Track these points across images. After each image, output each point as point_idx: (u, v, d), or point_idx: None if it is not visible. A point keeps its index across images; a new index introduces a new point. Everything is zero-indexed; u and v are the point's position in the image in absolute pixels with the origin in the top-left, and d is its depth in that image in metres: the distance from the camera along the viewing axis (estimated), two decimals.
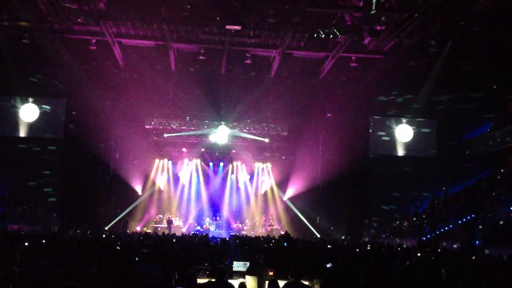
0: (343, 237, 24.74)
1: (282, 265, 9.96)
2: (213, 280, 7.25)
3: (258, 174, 30.45)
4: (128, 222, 26.95)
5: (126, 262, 8.65)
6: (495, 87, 25.33)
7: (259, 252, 11.06)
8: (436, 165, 27.14)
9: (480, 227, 19.16)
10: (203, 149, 29.47)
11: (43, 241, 13.07)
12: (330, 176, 26.20)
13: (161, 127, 27.56)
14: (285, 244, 14.99)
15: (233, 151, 29.46)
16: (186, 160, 30.13)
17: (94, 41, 22.19)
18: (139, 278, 8.32)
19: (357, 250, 14.17)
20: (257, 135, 28.06)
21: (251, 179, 30.46)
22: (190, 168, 30.24)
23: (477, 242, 18.19)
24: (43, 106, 25.96)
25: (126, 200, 27.69)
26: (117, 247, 12.02)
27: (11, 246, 10.81)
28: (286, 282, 7.05)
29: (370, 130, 27.70)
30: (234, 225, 29.38)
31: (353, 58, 23.33)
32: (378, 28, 20.34)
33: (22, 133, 25.89)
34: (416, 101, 26.57)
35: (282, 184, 29.31)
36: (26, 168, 25.50)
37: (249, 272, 8.78)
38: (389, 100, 27.19)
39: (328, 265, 10.56)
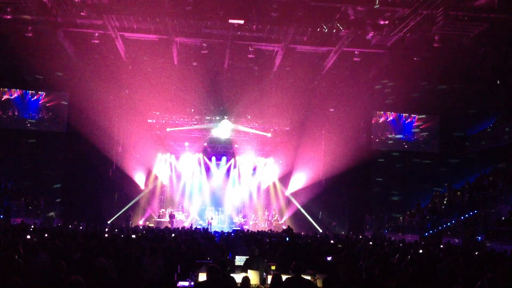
0: (342, 232, 24.74)
1: (284, 259, 9.97)
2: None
3: (260, 168, 30.44)
4: (130, 216, 27.02)
5: (130, 256, 8.66)
6: (498, 82, 25.24)
7: (254, 244, 11.10)
8: (439, 160, 27.13)
9: (483, 222, 19.14)
10: (205, 144, 29.48)
11: (46, 234, 13.09)
12: (332, 171, 26.22)
13: (163, 121, 27.62)
14: (287, 238, 15.00)
15: (236, 145, 29.47)
16: (188, 155, 30.13)
17: (97, 34, 22.16)
18: (143, 272, 8.34)
19: (359, 245, 14.18)
20: (260, 129, 28.07)
21: (253, 173, 30.46)
22: (192, 163, 30.25)
23: (479, 238, 18.18)
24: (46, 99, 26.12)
25: (128, 194, 27.77)
26: (120, 241, 12.04)
27: (14, 239, 10.84)
28: (287, 277, 7.05)
29: (373, 125, 27.68)
30: (236, 220, 29.41)
31: (356, 52, 23.26)
32: (382, 22, 20.29)
33: (25, 126, 26.02)
34: (419, 96, 26.50)
35: (285, 179, 29.31)
36: (30, 162, 25.61)
37: (247, 265, 8.78)
38: (391, 95, 27.10)
39: (328, 258, 10.58)
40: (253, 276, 8.12)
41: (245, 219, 29.35)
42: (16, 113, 26.30)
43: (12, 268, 6.11)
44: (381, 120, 28.02)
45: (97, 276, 6.70)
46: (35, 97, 26.38)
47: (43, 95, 26.41)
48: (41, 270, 7.35)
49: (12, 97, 26.30)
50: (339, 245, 15.07)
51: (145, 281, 8.26)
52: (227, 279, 7.02)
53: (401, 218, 25.36)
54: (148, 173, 29.00)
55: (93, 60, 25.04)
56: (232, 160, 30.35)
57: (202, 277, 7.61)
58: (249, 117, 27.77)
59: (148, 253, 9.13)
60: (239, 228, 24.96)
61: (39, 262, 7.90)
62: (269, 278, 7.91)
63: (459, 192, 23.50)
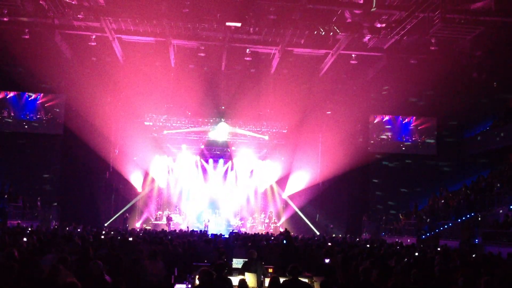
0: (337, 235, 24.67)
1: (281, 262, 9.96)
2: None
3: (257, 171, 30.39)
4: (127, 219, 26.93)
5: (130, 258, 8.64)
6: (495, 84, 25.30)
7: (252, 247, 11.08)
8: (436, 163, 27.16)
9: (480, 225, 19.17)
10: (202, 146, 29.44)
11: (42, 237, 13.03)
12: (329, 174, 26.21)
13: (160, 123, 27.58)
14: (284, 241, 14.97)
15: (233, 148, 29.43)
16: (185, 157, 30.07)
17: (94, 37, 22.14)
18: (143, 275, 8.31)
19: (357, 247, 14.16)
20: (257, 132, 28.05)
21: (250, 176, 30.42)
22: (189, 165, 30.18)
23: (476, 240, 18.20)
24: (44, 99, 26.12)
25: (125, 196, 27.69)
26: (118, 244, 12.02)
27: (10, 242, 10.80)
28: (284, 279, 7.04)
29: (370, 128, 27.72)
30: (233, 222, 29.35)
31: (353, 55, 23.30)
32: (379, 25, 20.36)
33: (22, 128, 25.95)
34: (416, 98, 26.55)
35: (282, 182, 29.24)
36: (26, 164, 25.53)
37: (245, 268, 8.77)
38: (388, 98, 27.14)
39: (326, 260, 10.56)
40: (250, 279, 8.11)
41: (242, 222, 29.29)
42: (12, 114, 26.18)
43: (6, 271, 6.06)
44: (377, 120, 28.02)
45: (93, 279, 6.67)
46: (33, 97, 26.26)
47: (41, 95, 26.33)
48: (39, 273, 7.30)
49: (7, 97, 26.21)
50: (329, 243, 15.05)
51: (145, 284, 8.24)
52: (223, 281, 7.00)
53: (398, 220, 25.34)
54: (145, 175, 28.91)
55: (90, 62, 25.02)
56: (229, 163, 30.28)
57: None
58: (247, 119, 27.75)
59: (147, 256, 9.11)
60: (237, 231, 24.92)
61: (37, 266, 7.85)
62: (267, 280, 7.90)
63: (455, 195, 23.54)
